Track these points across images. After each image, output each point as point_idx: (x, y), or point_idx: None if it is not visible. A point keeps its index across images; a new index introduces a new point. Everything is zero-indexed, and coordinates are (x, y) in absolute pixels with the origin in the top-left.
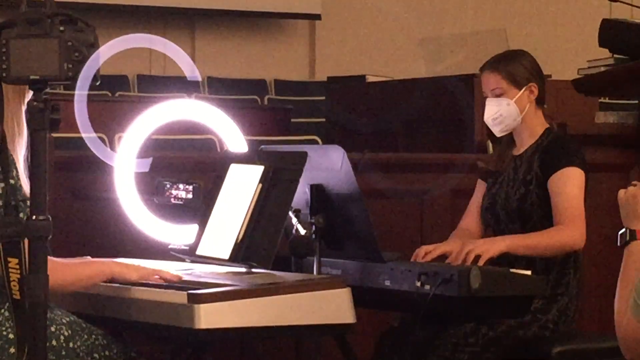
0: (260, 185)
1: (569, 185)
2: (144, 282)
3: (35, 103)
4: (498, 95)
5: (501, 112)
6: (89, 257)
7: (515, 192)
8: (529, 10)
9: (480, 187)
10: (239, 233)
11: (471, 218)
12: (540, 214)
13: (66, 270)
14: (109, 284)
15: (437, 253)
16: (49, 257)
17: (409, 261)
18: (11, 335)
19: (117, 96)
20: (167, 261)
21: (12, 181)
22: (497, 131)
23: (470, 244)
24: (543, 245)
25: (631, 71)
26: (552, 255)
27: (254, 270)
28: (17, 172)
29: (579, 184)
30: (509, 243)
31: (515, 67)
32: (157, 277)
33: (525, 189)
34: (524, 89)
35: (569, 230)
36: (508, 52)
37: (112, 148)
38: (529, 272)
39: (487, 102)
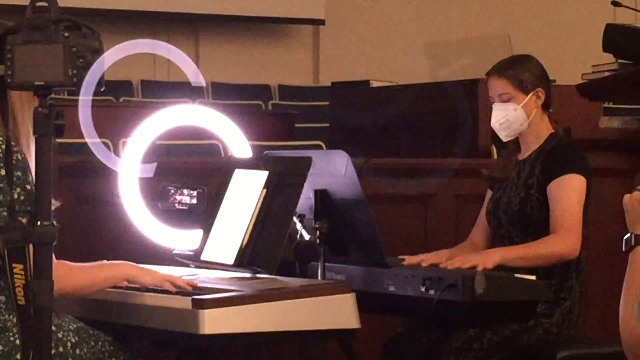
0: (265, 190)
1: (567, 192)
2: (155, 287)
3: (40, 109)
4: (505, 101)
5: (508, 117)
6: (105, 261)
7: (517, 196)
8: (533, 16)
9: (489, 197)
10: (244, 238)
11: (478, 232)
12: (540, 218)
13: (81, 274)
14: (114, 289)
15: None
16: (63, 262)
17: (413, 266)
18: (18, 342)
19: (122, 101)
20: (172, 266)
21: (28, 187)
22: (504, 136)
23: (464, 257)
24: (536, 255)
25: (635, 76)
26: (546, 265)
27: (258, 275)
28: (32, 177)
29: (579, 191)
30: (503, 255)
31: (523, 72)
32: (169, 284)
33: (526, 193)
34: (531, 94)
35: (561, 241)
36: (515, 57)
37: (117, 153)
38: (533, 277)
39: (494, 107)
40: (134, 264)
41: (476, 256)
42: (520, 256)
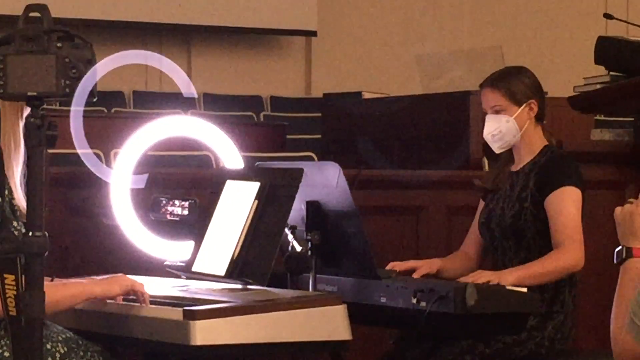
0: (257, 201)
1: (566, 205)
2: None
3: (32, 119)
4: (498, 112)
5: (501, 128)
6: (69, 279)
7: (510, 208)
8: (525, 28)
9: (481, 208)
10: (235, 249)
11: (470, 242)
12: (533, 232)
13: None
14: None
15: (420, 273)
16: None
17: (404, 278)
18: (7, 354)
19: (113, 112)
20: (163, 278)
21: (0, 199)
22: (496, 147)
23: (480, 276)
24: (547, 272)
25: (627, 88)
26: (556, 279)
27: (249, 286)
28: (9, 188)
29: (577, 203)
30: (517, 275)
31: (516, 84)
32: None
33: (520, 206)
34: (523, 106)
35: (568, 254)
36: (508, 68)
37: (108, 164)
38: (524, 289)
39: (486, 119)
40: (96, 277)
41: (492, 274)
42: (533, 274)
